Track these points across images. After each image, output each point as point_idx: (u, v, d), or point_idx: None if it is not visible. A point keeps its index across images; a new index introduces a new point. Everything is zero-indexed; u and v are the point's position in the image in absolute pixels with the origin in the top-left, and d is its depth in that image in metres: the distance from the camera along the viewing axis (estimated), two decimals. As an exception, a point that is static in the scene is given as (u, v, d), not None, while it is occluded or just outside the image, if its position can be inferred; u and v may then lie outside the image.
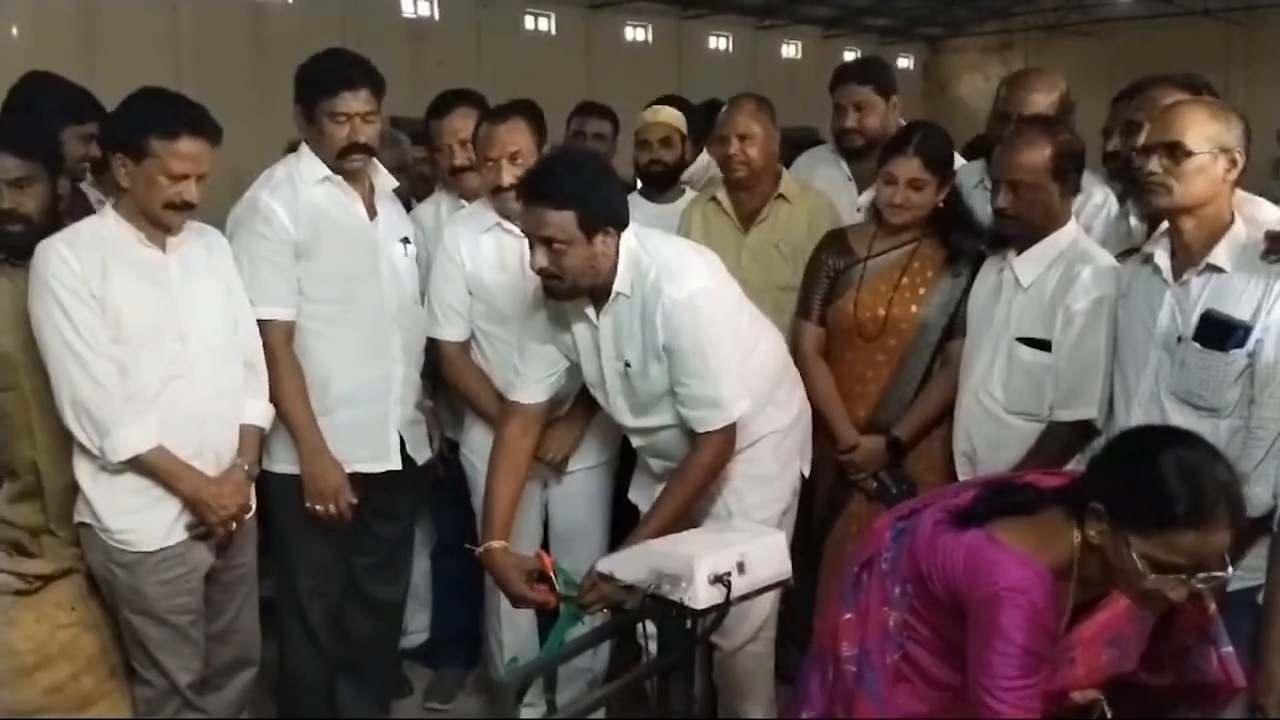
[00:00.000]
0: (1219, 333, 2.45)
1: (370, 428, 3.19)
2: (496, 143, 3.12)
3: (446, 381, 3.43)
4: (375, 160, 3.24)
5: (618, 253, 2.66)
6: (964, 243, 3.11)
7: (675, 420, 2.79)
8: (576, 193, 2.56)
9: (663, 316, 2.65)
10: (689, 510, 2.80)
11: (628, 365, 2.75)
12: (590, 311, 2.76)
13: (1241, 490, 1.93)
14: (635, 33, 15.30)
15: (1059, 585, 1.95)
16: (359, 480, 3.17)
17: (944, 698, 2.13)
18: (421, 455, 3.36)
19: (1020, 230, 2.85)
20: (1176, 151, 2.44)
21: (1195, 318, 2.49)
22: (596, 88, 14.46)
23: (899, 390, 3.12)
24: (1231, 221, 2.51)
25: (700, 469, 2.75)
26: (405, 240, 3.31)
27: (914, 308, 3.09)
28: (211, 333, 2.78)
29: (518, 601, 2.74)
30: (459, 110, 3.47)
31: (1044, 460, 2.77)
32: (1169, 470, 1.85)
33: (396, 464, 3.24)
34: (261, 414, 2.94)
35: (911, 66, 19.92)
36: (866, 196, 3.68)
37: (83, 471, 2.68)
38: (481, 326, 3.30)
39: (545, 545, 3.51)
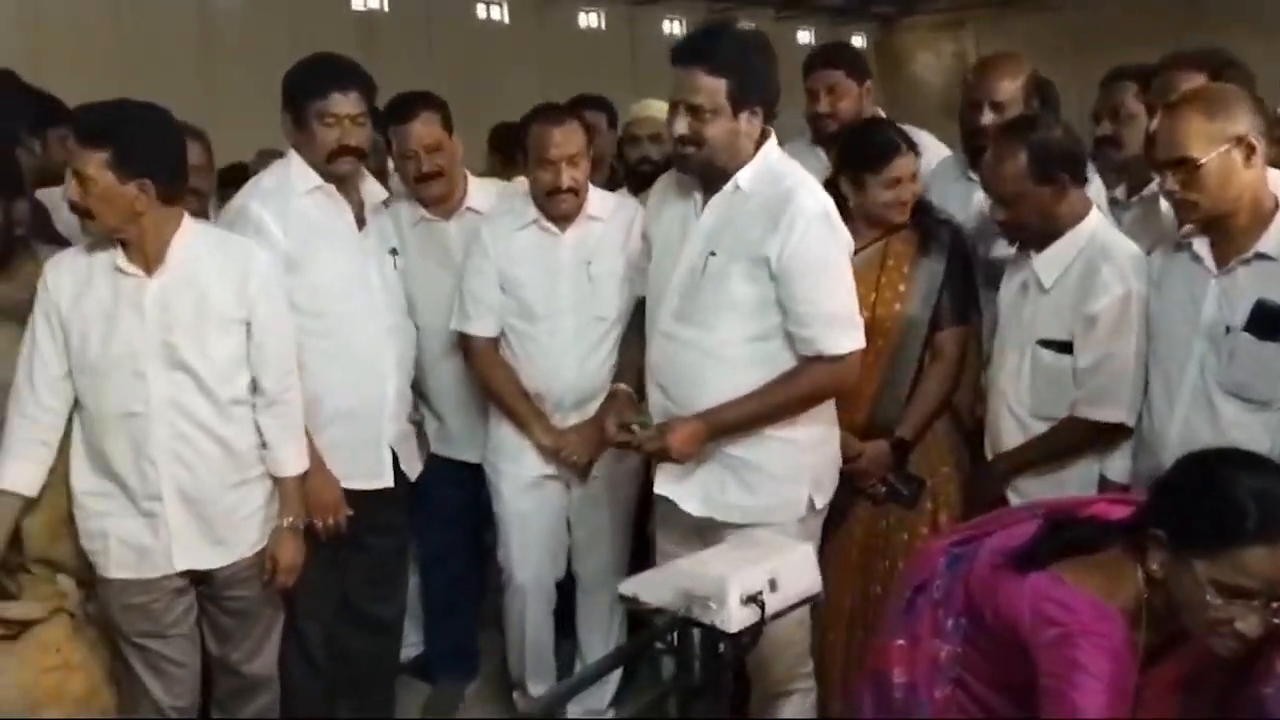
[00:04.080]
0: (1274, 322, 2.36)
1: (364, 445, 3.12)
2: (555, 144, 3.06)
3: (474, 377, 3.33)
4: (365, 169, 3.16)
5: (756, 148, 2.62)
6: (933, 226, 3.04)
7: (711, 340, 2.67)
8: (734, 62, 2.53)
9: (790, 223, 2.56)
10: (765, 423, 2.67)
11: (713, 254, 2.65)
12: (699, 195, 2.69)
13: None
14: (588, 19, 15.13)
15: (1132, 630, 1.85)
16: (351, 497, 3.08)
17: None
18: (414, 470, 3.30)
19: (1025, 237, 2.78)
20: (1186, 167, 2.35)
21: (1245, 307, 2.40)
22: (551, 76, 14.27)
23: (893, 390, 3.03)
24: (1277, 206, 2.42)
25: (800, 387, 2.65)
26: (394, 251, 3.24)
27: (898, 305, 3.00)
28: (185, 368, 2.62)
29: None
30: (423, 115, 3.38)
31: (1050, 448, 2.72)
32: (1235, 484, 1.76)
33: (389, 481, 3.18)
34: (296, 460, 2.80)
35: (864, 45, 19.87)
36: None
37: (71, 484, 2.64)
38: (510, 323, 3.25)
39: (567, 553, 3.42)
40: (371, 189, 3.20)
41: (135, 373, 2.56)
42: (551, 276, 3.18)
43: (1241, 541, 1.74)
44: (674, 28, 16.32)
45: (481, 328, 3.25)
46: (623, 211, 3.27)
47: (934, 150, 3.61)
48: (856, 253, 2.96)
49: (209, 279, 2.64)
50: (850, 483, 2.99)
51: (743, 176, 2.64)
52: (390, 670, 3.57)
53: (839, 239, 2.66)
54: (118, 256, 2.56)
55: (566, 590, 3.46)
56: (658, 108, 3.68)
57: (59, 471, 2.63)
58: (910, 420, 3.01)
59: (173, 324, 2.58)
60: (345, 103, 2.96)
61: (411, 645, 3.90)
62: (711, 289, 2.66)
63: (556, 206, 3.15)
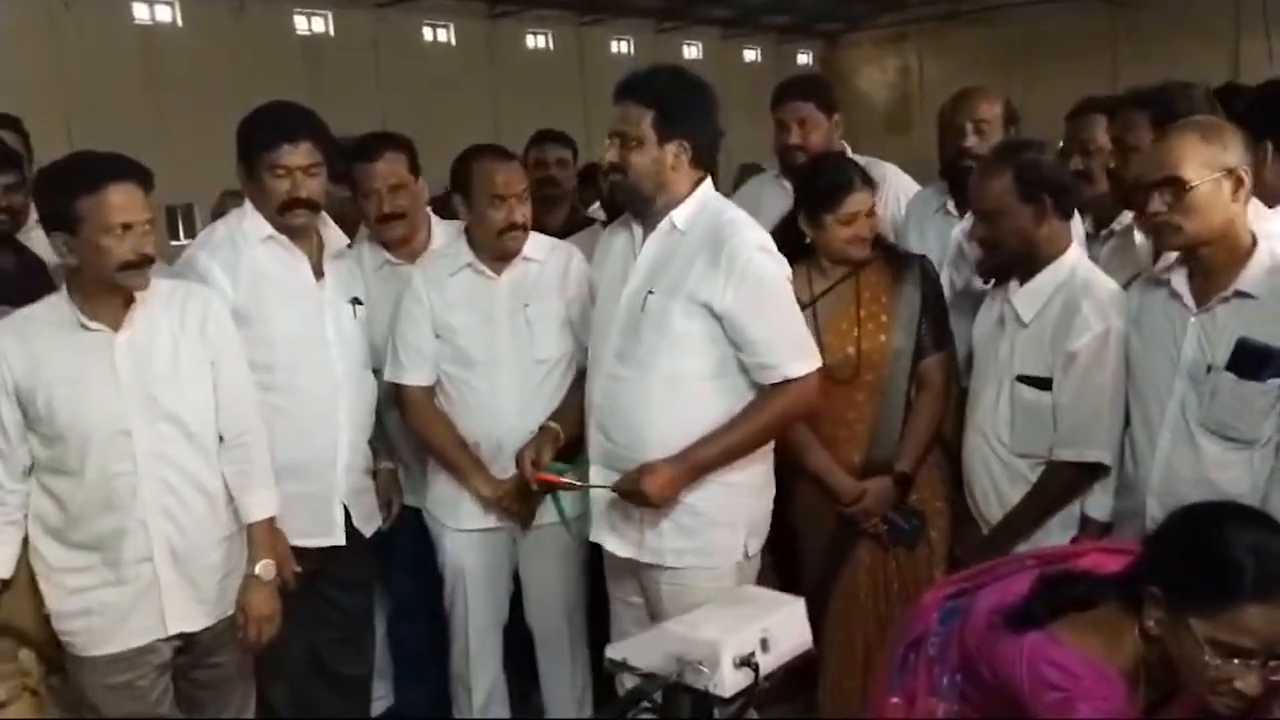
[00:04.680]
0: (1255, 361, 2.32)
1: (315, 500, 3.01)
2: (504, 181, 3.01)
3: (409, 429, 3.27)
4: (325, 216, 3.08)
5: (692, 188, 2.60)
6: (901, 254, 2.99)
7: (650, 380, 2.62)
8: (662, 93, 2.54)
9: (730, 260, 2.54)
10: (739, 455, 2.64)
11: (650, 293, 2.62)
12: (638, 234, 2.67)
13: None
14: (536, 40, 15.14)
15: (1131, 690, 1.83)
16: (313, 553, 3.00)
17: None
18: (368, 528, 3.18)
19: (1004, 259, 2.73)
20: (1175, 187, 2.33)
21: (1225, 346, 2.41)
22: (501, 97, 14.27)
23: (887, 425, 2.98)
24: (1254, 244, 2.42)
25: (773, 414, 2.62)
26: (356, 301, 3.16)
27: (883, 337, 2.95)
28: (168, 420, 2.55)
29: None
30: (388, 155, 3.30)
31: (1043, 503, 2.66)
32: (1232, 541, 1.72)
33: (340, 539, 3.07)
34: (264, 504, 2.70)
35: (811, 63, 20.05)
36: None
37: (37, 566, 2.50)
38: (446, 370, 3.15)
39: (518, 605, 3.36)
40: (332, 236, 3.13)
41: (118, 431, 2.47)
42: (488, 321, 3.10)
43: (1239, 601, 1.69)
44: (621, 48, 16.37)
45: (417, 377, 3.15)
46: (558, 252, 3.21)
47: (896, 183, 3.57)
48: (827, 291, 2.94)
49: (173, 325, 2.58)
50: (852, 526, 2.93)
51: (678, 215, 2.62)
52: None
53: (781, 267, 2.65)
54: (77, 315, 2.47)
55: (528, 642, 3.39)
56: None
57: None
58: (908, 454, 2.96)
59: (150, 377, 2.52)
60: (295, 154, 2.87)
61: (380, 699, 3.81)
62: (651, 327, 2.64)
63: (508, 245, 3.08)
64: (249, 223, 2.89)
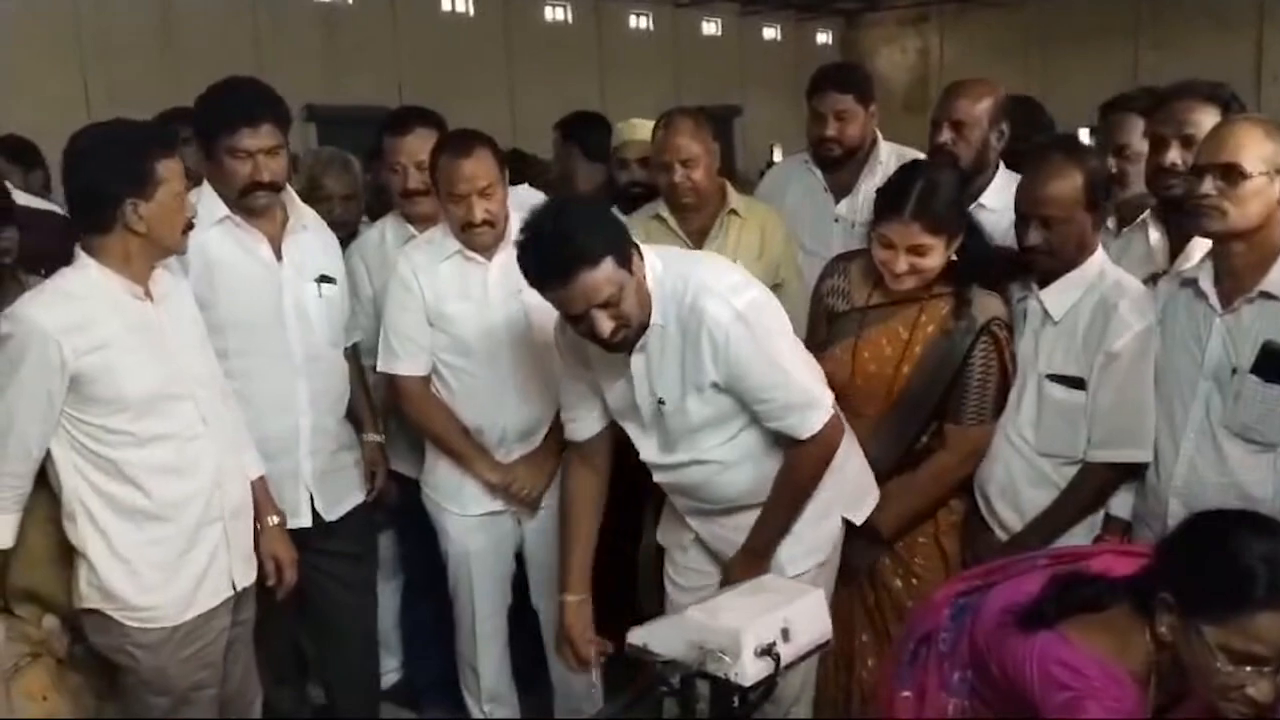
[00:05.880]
0: None
1: (277, 484, 2.98)
2: (464, 178, 2.95)
3: (407, 419, 3.28)
4: (290, 191, 3.06)
5: (644, 280, 2.47)
6: (974, 302, 2.75)
7: (705, 456, 2.63)
8: (598, 238, 2.36)
9: (711, 341, 2.46)
10: (795, 516, 2.67)
11: (661, 403, 2.58)
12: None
13: None
14: (554, 13, 15.01)
15: (1141, 691, 1.84)
16: (294, 532, 3.01)
17: None
18: (335, 512, 3.18)
19: (1053, 266, 2.68)
20: (1232, 173, 2.33)
21: (1251, 348, 2.39)
22: (517, 71, 14.21)
23: (885, 456, 2.83)
24: None
25: (803, 474, 2.61)
26: (324, 279, 3.11)
27: (906, 368, 2.78)
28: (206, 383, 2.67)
29: (577, 663, 2.71)
30: (418, 130, 3.30)
31: (1076, 506, 2.64)
32: (1245, 547, 1.74)
33: (306, 521, 3.09)
34: (257, 463, 2.85)
35: (830, 42, 19.89)
36: (845, 206, 3.59)
37: (96, 550, 2.48)
38: (443, 359, 3.14)
39: (523, 583, 3.38)
40: (299, 210, 3.09)
41: (181, 396, 2.55)
42: (482, 308, 3.07)
43: (1252, 608, 1.72)
44: (640, 23, 16.25)
45: (412, 367, 3.14)
46: None
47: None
48: (883, 306, 2.82)
49: (181, 296, 2.68)
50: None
51: (657, 314, 2.51)
52: (373, 694, 3.53)
53: (764, 327, 2.53)
54: (126, 286, 2.48)
55: (536, 623, 3.40)
56: (645, 130, 3.56)
57: (37, 514, 2.51)
58: (892, 515, 2.82)
59: (186, 343, 2.61)
60: (256, 136, 2.83)
61: (391, 671, 3.85)
62: (682, 423, 2.61)
63: (473, 240, 3.06)
64: (205, 204, 2.85)
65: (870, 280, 2.85)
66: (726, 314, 2.45)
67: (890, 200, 2.71)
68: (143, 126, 2.58)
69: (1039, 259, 2.68)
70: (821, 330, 2.95)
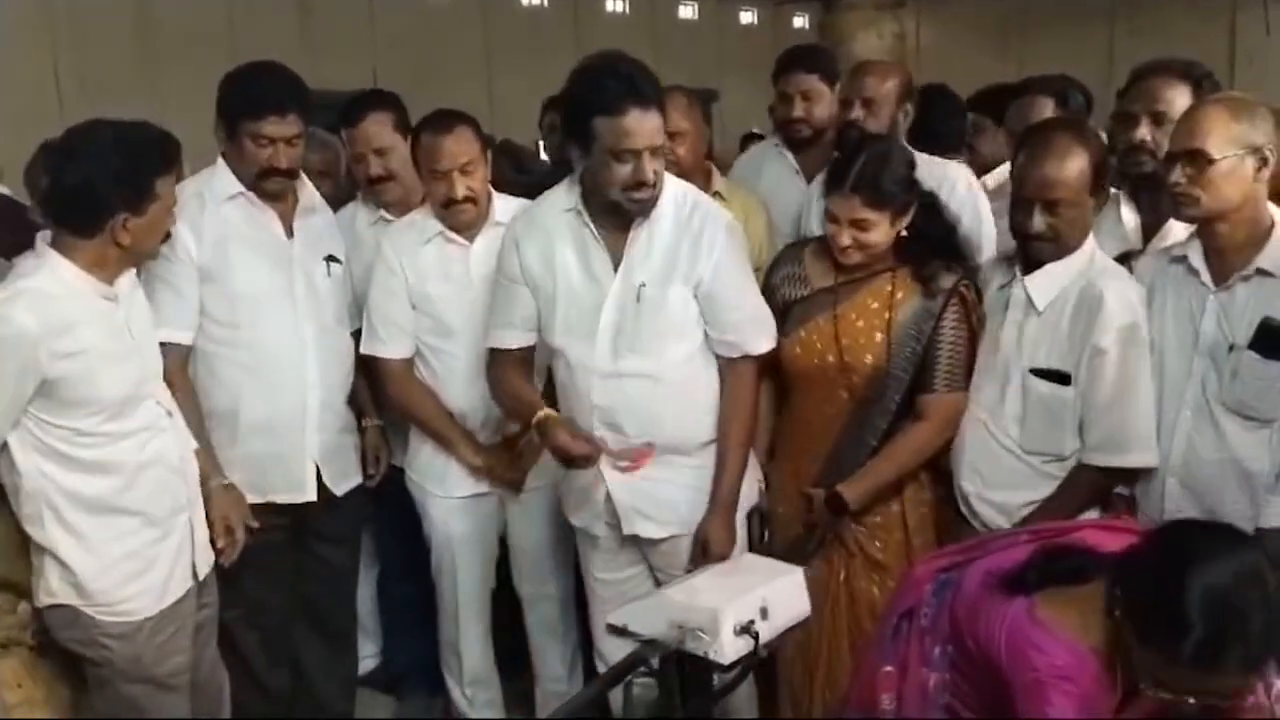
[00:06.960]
0: (1279, 340, 2.34)
1: (284, 458, 3.05)
2: (446, 154, 2.97)
3: (390, 402, 3.28)
4: (302, 175, 3.09)
5: None
6: (938, 276, 2.79)
7: (654, 369, 2.68)
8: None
9: (712, 240, 2.65)
10: (747, 455, 2.81)
11: (642, 286, 2.64)
12: (592, 234, 2.69)
13: (1272, 641, 1.73)
14: (531, -3, 14.93)
15: (1107, 667, 1.84)
16: (296, 509, 3.05)
17: None
18: (341, 486, 3.21)
19: (1055, 254, 2.60)
20: (1199, 160, 2.34)
21: (1247, 325, 2.38)
22: (495, 55, 14.11)
23: (858, 440, 2.84)
24: (1273, 223, 2.42)
25: (747, 401, 2.75)
26: (331, 259, 3.14)
27: (868, 358, 2.80)
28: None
29: (581, 461, 2.69)
30: (373, 116, 3.32)
31: (1065, 508, 2.56)
32: (1194, 597, 1.69)
33: (311, 495, 3.12)
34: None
35: (806, 26, 19.85)
36: (816, 186, 3.58)
37: (68, 549, 2.48)
38: (426, 341, 3.16)
39: (505, 566, 3.39)
40: (308, 193, 3.13)
41: (145, 395, 2.59)
42: (464, 290, 3.11)
43: (1179, 661, 1.71)
44: (617, 7, 16.16)
45: (395, 350, 3.18)
46: None
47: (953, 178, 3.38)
48: (851, 283, 2.86)
49: (135, 290, 2.70)
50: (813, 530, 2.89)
51: (664, 201, 2.67)
52: (350, 679, 3.53)
53: (742, 247, 2.79)
54: (95, 286, 2.47)
55: (517, 606, 3.41)
56: None
57: (8, 504, 2.52)
58: (860, 481, 2.81)
59: (145, 341, 2.63)
60: (282, 125, 2.90)
61: (369, 657, 3.85)
62: (650, 318, 2.65)
63: (455, 218, 3.08)
64: (219, 179, 2.90)
65: (826, 260, 2.86)
66: (724, 218, 2.68)
67: (834, 175, 2.75)
68: (148, 138, 2.56)
69: (1042, 247, 2.59)
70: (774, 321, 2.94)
